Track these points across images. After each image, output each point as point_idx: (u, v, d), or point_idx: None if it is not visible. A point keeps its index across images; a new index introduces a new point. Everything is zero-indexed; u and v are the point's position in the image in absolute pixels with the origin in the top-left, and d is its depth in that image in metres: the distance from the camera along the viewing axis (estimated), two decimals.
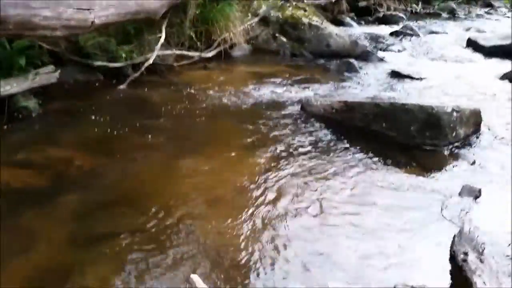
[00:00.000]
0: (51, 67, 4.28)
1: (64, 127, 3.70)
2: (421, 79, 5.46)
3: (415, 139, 3.61)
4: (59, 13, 3.77)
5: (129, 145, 3.48)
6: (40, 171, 2.99)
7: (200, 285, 1.69)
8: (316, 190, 2.90)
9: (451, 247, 2.16)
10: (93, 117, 3.90)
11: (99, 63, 4.91)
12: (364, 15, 10.07)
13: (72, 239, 2.38)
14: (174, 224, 2.50)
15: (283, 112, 4.29)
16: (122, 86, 4.77)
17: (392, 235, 2.46)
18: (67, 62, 4.78)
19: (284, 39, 6.80)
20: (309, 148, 3.52)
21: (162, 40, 5.36)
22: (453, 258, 2.10)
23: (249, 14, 7.21)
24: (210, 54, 6.21)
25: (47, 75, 4.20)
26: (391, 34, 8.13)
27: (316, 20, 7.00)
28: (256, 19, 7.09)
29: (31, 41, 4.18)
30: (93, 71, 4.92)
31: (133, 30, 5.39)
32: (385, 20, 9.71)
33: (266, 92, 4.87)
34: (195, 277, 1.76)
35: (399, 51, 7.01)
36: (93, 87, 4.72)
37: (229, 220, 2.55)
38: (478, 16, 10.81)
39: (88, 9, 4.06)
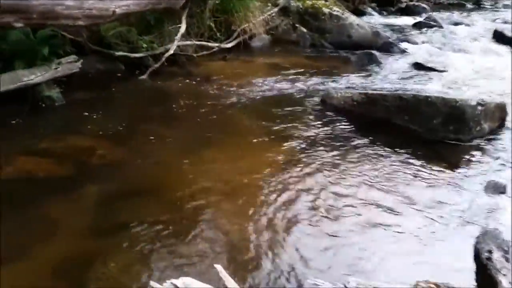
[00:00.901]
0: (73, 57, 4.32)
1: (86, 117, 3.73)
2: (444, 71, 5.35)
3: (438, 133, 3.54)
4: (81, 2, 3.81)
5: (149, 135, 3.50)
6: (63, 160, 3.04)
7: (224, 275, 1.70)
8: (335, 183, 2.87)
9: (475, 245, 2.11)
10: (114, 108, 3.95)
11: (120, 53, 4.94)
12: (386, 5, 9.89)
13: (94, 227, 2.41)
14: (193, 214, 2.52)
15: (302, 105, 4.26)
16: (143, 77, 4.80)
17: (414, 231, 2.42)
18: (89, 52, 4.82)
19: (304, 30, 6.72)
20: (329, 141, 3.49)
21: (182, 30, 5.35)
22: (477, 256, 2.05)
23: (269, 4, 7.15)
24: (229, 45, 6.18)
25: (70, 64, 4.24)
26: (414, 25, 7.97)
27: (337, 10, 6.90)
28: (276, 9, 7.03)
29: (54, 31, 4.22)
30: (114, 61, 4.95)
31: (153, 20, 5.40)
32: (408, 11, 9.52)
33: (285, 83, 4.83)
34: (218, 267, 1.76)
35: (422, 42, 6.85)
36: (114, 77, 4.76)
37: (248, 212, 2.55)
38: (505, 6, 10.46)
39: None
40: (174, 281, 1.58)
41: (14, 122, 3.54)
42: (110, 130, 3.51)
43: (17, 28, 3.56)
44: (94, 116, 3.76)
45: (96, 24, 4.50)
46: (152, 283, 1.59)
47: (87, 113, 3.80)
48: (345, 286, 1.63)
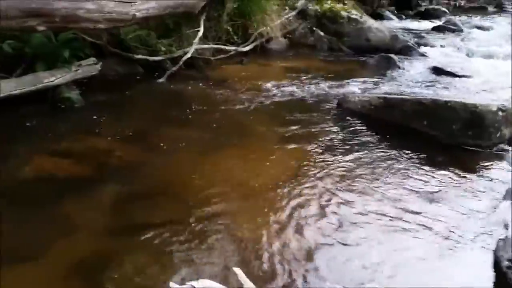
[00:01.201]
0: (93, 59, 4.39)
1: (105, 118, 3.78)
2: (464, 76, 5.28)
3: (457, 139, 3.48)
4: (102, 6, 3.87)
5: (167, 137, 3.53)
6: (81, 160, 3.08)
7: (242, 278, 1.71)
8: (350, 189, 2.84)
9: (495, 253, 2.07)
10: (132, 110, 4.00)
11: (139, 56, 5.00)
12: (404, 8, 9.82)
13: (111, 228, 2.43)
14: (208, 216, 2.52)
15: (319, 108, 4.24)
16: (161, 80, 4.85)
17: (430, 239, 2.39)
18: (108, 55, 4.89)
19: (322, 33, 6.71)
20: (345, 145, 3.47)
21: (200, 34, 5.40)
22: (496, 264, 2.02)
23: (287, 8, 7.16)
24: (246, 48, 6.21)
25: (90, 67, 4.32)
26: (433, 28, 7.89)
27: (355, 13, 6.87)
28: (293, 13, 7.04)
29: (75, 34, 4.30)
30: (133, 64, 5.02)
31: (172, 24, 5.45)
32: (427, 14, 9.43)
33: (301, 87, 4.83)
34: (237, 270, 1.77)
35: (441, 46, 6.78)
36: (133, 80, 4.82)
37: (261, 216, 2.55)
38: None
39: (130, 2, 4.15)
40: (193, 283, 1.61)
41: (34, 122, 3.60)
42: (128, 132, 3.55)
43: (40, 31, 3.63)
44: (113, 118, 3.82)
45: (116, 28, 4.57)
46: (171, 284, 1.60)
47: (105, 115, 3.85)
48: None
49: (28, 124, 3.57)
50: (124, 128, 3.62)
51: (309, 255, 2.24)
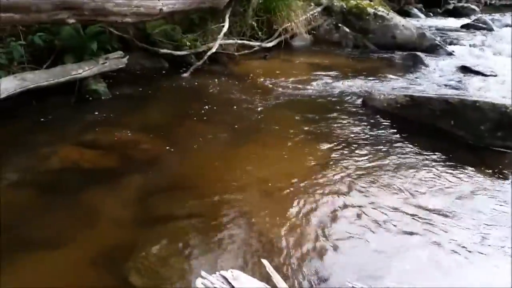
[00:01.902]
0: (120, 53, 4.46)
1: (131, 111, 3.84)
2: (493, 76, 5.14)
3: (485, 140, 3.40)
4: (130, 0, 3.92)
5: (190, 131, 3.56)
6: (107, 152, 3.13)
7: (270, 269, 1.73)
8: (373, 188, 2.80)
9: None
10: (157, 103, 4.04)
11: (164, 50, 5.06)
12: (432, 6, 9.64)
13: (134, 218, 2.47)
14: (229, 211, 2.53)
15: (343, 106, 4.20)
16: (185, 74, 4.89)
17: (452, 240, 2.33)
18: (134, 49, 4.96)
19: (347, 30, 6.64)
20: (369, 144, 3.42)
21: (225, 29, 5.42)
22: None
23: (312, 4, 7.11)
24: (270, 44, 6.21)
25: (116, 60, 4.39)
26: (462, 27, 7.71)
27: (382, 10, 6.77)
28: (319, 9, 6.99)
29: (102, 27, 4.37)
30: (158, 58, 5.08)
31: (197, 19, 5.49)
32: (456, 12, 9.23)
33: (325, 84, 4.79)
34: (265, 262, 1.79)
35: (470, 45, 6.62)
36: (158, 74, 4.88)
37: (283, 212, 2.54)
38: None
39: None
40: (223, 272, 1.63)
41: (61, 113, 3.69)
42: (153, 125, 3.59)
43: (69, 24, 3.70)
44: (138, 111, 3.87)
45: (143, 22, 4.62)
46: (202, 273, 1.63)
47: (131, 108, 3.91)
48: None
49: (56, 115, 3.66)
50: (149, 121, 3.67)
51: (327, 250, 2.22)
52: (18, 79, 3.56)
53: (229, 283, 1.60)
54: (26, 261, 2.10)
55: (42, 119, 3.56)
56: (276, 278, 1.69)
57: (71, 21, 3.59)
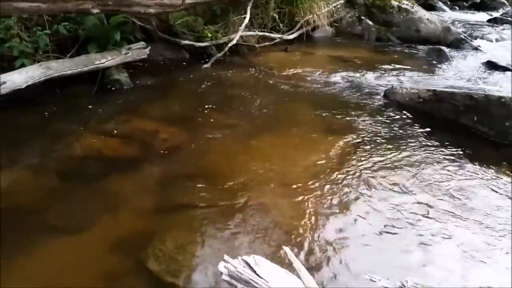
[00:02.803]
0: (142, 43, 4.51)
1: (152, 101, 3.89)
2: None
3: (509, 136, 3.32)
4: None
5: (210, 122, 3.58)
6: (128, 141, 3.18)
7: (292, 257, 1.77)
8: (391, 183, 2.76)
9: None
10: (178, 94, 4.08)
11: (186, 42, 5.09)
12: None
13: (153, 206, 2.51)
14: (247, 201, 2.55)
15: (364, 99, 4.16)
16: (206, 65, 4.91)
17: (470, 238, 2.30)
18: (157, 40, 5.00)
19: (370, 23, 6.55)
20: (389, 138, 3.38)
21: (246, 21, 5.41)
22: None
23: None
24: (291, 36, 6.17)
25: (139, 50, 4.43)
26: (489, 21, 7.51)
27: (406, 3, 6.65)
28: (341, 1, 6.90)
29: (126, 18, 4.42)
30: (180, 49, 5.12)
31: (219, 10, 5.49)
32: (483, 6, 8.99)
33: (347, 77, 4.74)
34: (286, 249, 1.83)
35: (496, 40, 6.45)
36: (179, 65, 4.92)
37: (300, 204, 2.54)
38: None
39: None
40: (245, 257, 1.68)
41: (84, 102, 3.76)
42: (173, 115, 3.63)
43: (94, 14, 3.75)
44: (159, 101, 3.92)
45: (165, 13, 4.65)
46: (226, 257, 1.68)
47: (152, 98, 3.95)
48: (402, 284, 1.58)
49: (78, 103, 3.73)
50: (169, 112, 3.71)
51: (347, 245, 2.22)
52: (43, 67, 3.64)
53: (251, 267, 1.64)
54: (47, 245, 2.15)
55: (65, 107, 3.63)
56: (298, 265, 1.71)
57: (95, 11, 3.64)
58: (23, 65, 3.64)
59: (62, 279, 1.98)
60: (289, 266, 1.77)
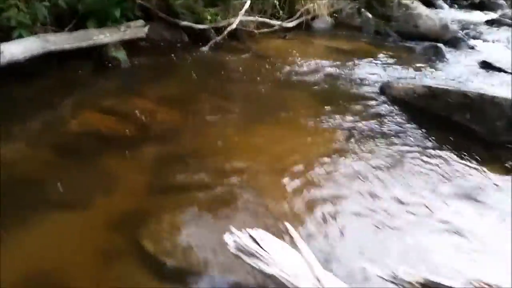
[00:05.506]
0: (141, 22, 4.46)
1: (149, 80, 3.88)
2: None
3: (500, 136, 3.38)
4: None
5: (206, 105, 3.60)
6: (125, 119, 3.18)
7: (293, 233, 1.85)
8: (382, 175, 2.79)
9: None
10: (175, 75, 4.07)
11: (185, 23, 5.04)
12: None
13: (149, 186, 2.53)
14: (241, 185, 2.58)
15: (360, 92, 4.19)
16: (204, 48, 4.89)
17: (467, 235, 2.36)
18: (156, 19, 4.95)
19: (370, 15, 6.56)
20: (383, 131, 3.42)
21: (247, 5, 5.38)
22: None
23: None
24: (291, 24, 6.16)
25: (137, 29, 4.40)
26: (487, 21, 7.56)
27: None
28: None
29: None
30: (178, 30, 5.07)
31: None
32: (482, 6, 9.03)
33: (343, 68, 4.77)
34: (288, 225, 1.91)
35: (493, 41, 6.51)
36: (177, 46, 4.88)
37: (293, 187, 2.58)
38: None
39: None
40: (249, 230, 1.75)
41: (82, 78, 3.74)
42: (171, 96, 3.63)
43: None
44: (156, 81, 3.91)
45: None
46: (232, 228, 1.75)
47: (150, 78, 3.95)
48: (393, 273, 1.64)
49: (76, 79, 3.71)
50: (166, 93, 3.71)
51: (340, 233, 2.27)
52: (41, 39, 3.59)
53: (256, 241, 1.70)
54: (43, 219, 2.16)
55: (62, 82, 3.61)
56: (298, 240, 1.77)
57: None
58: (20, 36, 3.58)
59: (57, 254, 1.99)
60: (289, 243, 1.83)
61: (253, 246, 1.70)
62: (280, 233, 1.95)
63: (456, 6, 8.95)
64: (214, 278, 1.91)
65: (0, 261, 1.83)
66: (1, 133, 2.79)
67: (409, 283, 1.65)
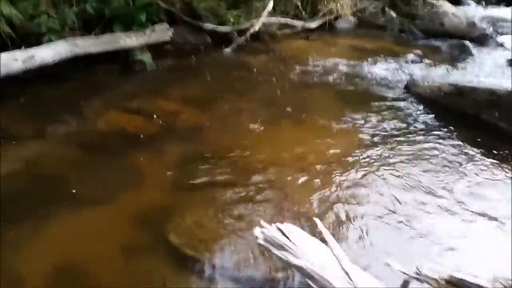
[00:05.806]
0: (166, 25, 4.54)
1: (174, 82, 3.95)
2: None
3: None
4: None
5: (229, 105, 3.62)
6: (150, 119, 3.24)
7: (322, 228, 1.87)
8: (407, 175, 2.75)
9: None
10: (199, 77, 4.12)
11: (208, 25, 5.10)
12: None
13: (174, 183, 2.58)
14: (264, 183, 2.60)
15: (385, 90, 4.15)
16: (227, 50, 4.94)
17: (479, 232, 2.32)
18: (180, 22, 5.03)
19: (394, 14, 6.48)
20: (408, 130, 3.38)
21: (269, 7, 5.39)
22: None
23: None
24: (313, 25, 6.14)
25: (162, 32, 4.48)
26: None
27: None
28: None
29: None
30: (202, 33, 5.13)
31: None
32: (510, 2, 8.76)
33: (367, 67, 4.74)
34: (317, 221, 1.94)
35: None
36: (201, 48, 4.95)
37: (315, 189, 2.57)
38: None
39: None
40: (279, 225, 1.80)
41: (108, 80, 3.83)
42: (195, 97, 3.69)
43: None
44: (181, 83, 3.98)
45: None
46: (262, 222, 1.81)
47: (174, 80, 4.01)
48: (417, 269, 1.63)
49: (102, 81, 3.81)
50: (190, 94, 3.77)
51: (362, 231, 2.26)
52: (69, 43, 3.70)
53: (285, 235, 1.74)
54: (70, 214, 2.23)
55: (89, 84, 3.71)
56: (327, 235, 1.81)
57: None
58: (50, 41, 3.71)
59: (86, 247, 2.05)
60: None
61: (282, 239, 1.74)
62: (307, 228, 1.96)
63: (483, 3, 8.72)
64: (239, 272, 1.93)
65: (0, 261, 1.89)
66: (30, 132, 2.89)
67: (434, 279, 1.63)
